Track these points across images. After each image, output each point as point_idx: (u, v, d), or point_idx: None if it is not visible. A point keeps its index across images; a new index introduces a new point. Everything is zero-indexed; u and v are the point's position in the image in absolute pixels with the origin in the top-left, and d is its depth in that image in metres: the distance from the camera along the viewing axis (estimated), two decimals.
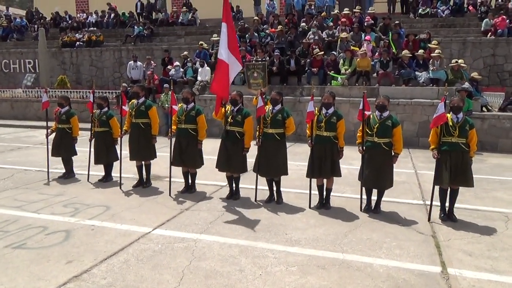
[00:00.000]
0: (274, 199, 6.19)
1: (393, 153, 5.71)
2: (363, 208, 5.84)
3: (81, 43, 19.11)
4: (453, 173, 5.29)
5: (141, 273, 3.90)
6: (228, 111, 6.04)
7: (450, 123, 5.35)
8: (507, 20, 14.03)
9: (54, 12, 23.01)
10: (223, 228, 5.08)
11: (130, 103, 6.77)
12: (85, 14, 22.56)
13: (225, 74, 5.71)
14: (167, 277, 3.83)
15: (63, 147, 7.38)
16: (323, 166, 5.67)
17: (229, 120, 5.97)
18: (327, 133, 5.70)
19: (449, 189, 5.44)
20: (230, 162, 6.05)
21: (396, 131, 5.61)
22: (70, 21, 21.65)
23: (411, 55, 12.00)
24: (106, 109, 7.24)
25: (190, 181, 6.65)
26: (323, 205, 5.92)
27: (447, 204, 5.53)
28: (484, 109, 11.20)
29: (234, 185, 6.37)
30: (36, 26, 21.51)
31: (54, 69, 18.76)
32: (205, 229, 5.05)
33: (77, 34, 19.73)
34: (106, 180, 7.25)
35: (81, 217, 5.41)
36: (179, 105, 6.46)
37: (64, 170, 7.55)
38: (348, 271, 3.99)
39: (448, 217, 5.47)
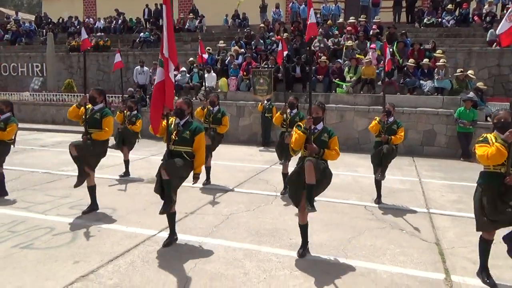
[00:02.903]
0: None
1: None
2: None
3: (88, 48, 19.32)
4: None
5: (147, 274, 3.95)
6: (172, 125, 4.61)
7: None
8: None
9: (62, 17, 23.31)
10: (227, 232, 5.12)
11: (86, 108, 5.61)
12: (91, 19, 22.83)
13: (165, 72, 4.20)
14: (173, 279, 3.87)
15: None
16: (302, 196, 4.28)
17: (173, 137, 4.55)
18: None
19: None
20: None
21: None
22: (78, 26, 21.92)
23: (416, 64, 12.07)
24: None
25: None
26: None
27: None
28: (488, 119, 11.20)
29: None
30: (44, 30, 21.81)
31: (61, 73, 18.99)
32: (210, 232, 5.10)
33: None
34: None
35: (87, 219, 5.47)
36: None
37: None
38: (351, 276, 4.02)
39: None
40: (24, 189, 6.93)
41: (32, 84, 18.95)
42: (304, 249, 4.46)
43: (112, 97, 16.31)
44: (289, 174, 4.81)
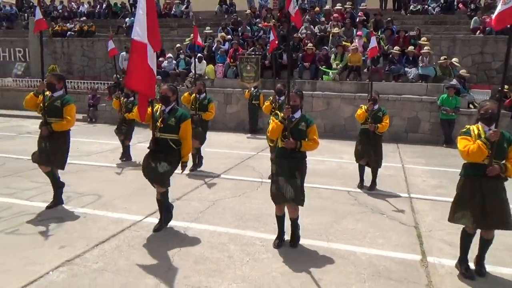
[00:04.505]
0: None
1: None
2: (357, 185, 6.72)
3: (72, 33, 18.97)
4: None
5: (132, 258, 4.02)
6: (158, 113, 4.56)
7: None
8: None
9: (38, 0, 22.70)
10: (213, 217, 5.22)
11: (45, 95, 5.18)
12: (74, 4, 22.32)
13: (145, 61, 4.07)
14: (158, 262, 3.96)
15: None
16: (286, 189, 4.12)
17: (158, 124, 4.49)
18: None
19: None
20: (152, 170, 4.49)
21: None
22: (61, 11, 21.44)
23: (401, 51, 12.19)
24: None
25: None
26: (289, 240, 4.47)
27: None
28: (471, 106, 11.45)
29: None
30: (26, 14, 21.27)
31: (45, 58, 18.59)
32: (196, 218, 5.18)
33: (68, 24, 19.57)
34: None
35: (73, 205, 5.51)
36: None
37: None
38: (332, 259, 4.16)
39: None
40: (9, 175, 6.90)
41: (15, 69, 18.58)
42: (280, 240, 4.44)
43: (98, 83, 16.16)
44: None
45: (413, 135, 11.39)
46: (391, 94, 11.47)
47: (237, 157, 8.79)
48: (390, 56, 12.28)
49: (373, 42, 7.25)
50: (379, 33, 13.05)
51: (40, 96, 5.11)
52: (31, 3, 23.45)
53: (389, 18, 13.88)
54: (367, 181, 6.73)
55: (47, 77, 5.24)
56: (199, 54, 13.13)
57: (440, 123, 10.99)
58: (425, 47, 11.82)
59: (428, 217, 5.47)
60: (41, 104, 5.12)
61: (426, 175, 7.73)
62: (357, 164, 6.75)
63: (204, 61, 13.59)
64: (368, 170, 6.73)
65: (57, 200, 5.45)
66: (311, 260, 4.12)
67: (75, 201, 5.64)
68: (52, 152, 5.14)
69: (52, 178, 5.39)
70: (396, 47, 12.26)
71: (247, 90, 12.22)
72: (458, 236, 3.98)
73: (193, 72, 10.24)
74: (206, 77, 13.29)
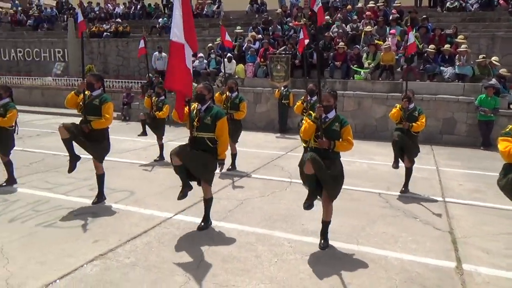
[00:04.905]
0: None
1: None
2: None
3: (108, 33, 19.59)
4: None
5: (162, 254, 4.10)
6: (194, 112, 4.60)
7: None
8: None
9: (79, 3, 23.52)
10: (241, 217, 5.23)
11: (85, 94, 5.38)
12: (110, 5, 23.04)
13: (182, 61, 4.15)
14: (187, 259, 4.01)
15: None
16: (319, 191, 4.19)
17: (195, 123, 4.51)
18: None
19: None
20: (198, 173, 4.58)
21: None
22: (97, 12, 22.17)
23: (436, 50, 11.79)
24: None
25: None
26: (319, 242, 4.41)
27: None
28: (511, 106, 10.92)
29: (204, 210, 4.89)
30: (65, 16, 22.14)
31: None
32: (224, 216, 5.22)
33: (104, 25, 20.22)
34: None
35: (107, 200, 5.67)
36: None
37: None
38: (362, 263, 4.07)
39: None
40: (47, 171, 7.20)
41: (55, 69, 19.39)
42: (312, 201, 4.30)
43: (131, 82, 16.61)
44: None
45: (449, 137, 10.98)
46: (426, 94, 11.11)
47: (266, 157, 8.79)
48: (425, 55, 11.89)
49: (411, 38, 7.02)
50: (413, 31, 12.66)
51: (80, 95, 5.31)
52: (70, 5, 24.41)
53: (424, 16, 13.43)
54: (400, 183, 6.54)
55: (86, 77, 5.44)
56: (228, 54, 13.23)
57: (478, 125, 10.54)
58: (463, 45, 11.37)
59: (464, 223, 5.26)
60: (81, 103, 5.33)
61: (462, 179, 7.44)
62: (393, 152, 6.43)
63: (233, 61, 13.67)
64: (401, 172, 6.53)
65: (101, 196, 5.63)
66: (341, 263, 4.05)
67: (108, 196, 5.80)
68: (93, 149, 5.37)
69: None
70: (432, 46, 11.86)
71: (277, 90, 12.19)
72: (497, 244, 3.81)
73: (223, 71, 10.37)
74: (236, 76, 13.36)
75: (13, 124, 6.14)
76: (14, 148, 6.39)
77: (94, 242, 4.32)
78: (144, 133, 8.84)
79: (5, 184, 6.23)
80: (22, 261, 3.86)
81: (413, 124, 6.19)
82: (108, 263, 3.88)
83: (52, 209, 5.29)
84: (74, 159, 5.49)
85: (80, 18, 5.94)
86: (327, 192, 4.24)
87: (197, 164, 4.48)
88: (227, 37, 10.46)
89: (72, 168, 5.48)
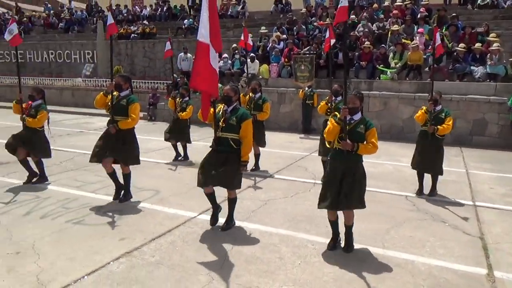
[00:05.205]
0: None
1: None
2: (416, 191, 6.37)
3: (135, 35, 20.00)
4: None
5: (186, 254, 4.14)
6: (220, 112, 4.67)
7: None
8: None
9: (108, 7, 24.14)
10: (265, 217, 5.23)
11: (113, 95, 5.51)
12: (137, 7, 23.50)
13: (208, 62, 4.18)
14: (210, 259, 4.04)
15: (33, 146, 6.34)
16: (341, 194, 4.10)
17: (220, 124, 4.58)
18: None
19: None
20: (220, 174, 4.53)
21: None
22: (125, 14, 22.67)
23: (467, 48, 11.41)
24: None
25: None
26: (343, 245, 4.40)
27: None
28: None
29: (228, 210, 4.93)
30: (95, 18, 22.76)
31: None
32: (247, 217, 5.22)
33: (132, 27, 20.66)
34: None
35: (133, 199, 5.78)
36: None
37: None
38: (388, 267, 3.99)
39: None
40: (77, 169, 7.42)
41: (84, 70, 19.96)
42: (335, 242, 4.39)
43: (157, 83, 16.90)
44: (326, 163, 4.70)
45: (479, 138, 10.61)
46: (455, 95, 10.77)
47: (289, 157, 8.75)
48: (455, 54, 11.54)
49: (438, 39, 6.84)
50: (443, 30, 12.32)
51: (108, 95, 5.46)
52: (100, 8, 25.07)
53: (454, 14, 13.05)
54: (427, 186, 6.37)
55: (115, 78, 5.58)
56: (251, 54, 13.24)
57: (510, 126, 10.13)
58: (495, 44, 10.96)
59: (495, 228, 5.07)
60: (109, 103, 5.47)
61: (494, 182, 7.17)
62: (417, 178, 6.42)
63: (256, 61, 13.68)
64: (427, 176, 6.37)
65: (127, 194, 5.77)
66: (366, 266, 3.98)
67: (134, 195, 5.91)
68: (122, 149, 5.49)
69: (113, 177, 5.71)
70: (462, 44, 11.50)
71: (301, 90, 12.12)
72: None
73: (246, 72, 10.40)
74: (260, 76, 13.37)
75: (43, 125, 6.38)
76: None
77: (120, 240, 4.42)
78: (178, 156, 8.48)
79: (35, 181, 6.46)
80: (53, 257, 3.99)
81: (439, 127, 6.01)
82: (134, 261, 3.96)
83: (80, 206, 5.45)
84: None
85: (111, 20, 6.06)
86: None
87: (225, 181, 4.59)
88: (249, 40, 10.49)
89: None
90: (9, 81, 20.16)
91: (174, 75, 12.12)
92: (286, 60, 13.32)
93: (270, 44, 14.17)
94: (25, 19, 25.18)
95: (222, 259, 4.05)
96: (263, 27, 16.09)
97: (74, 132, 11.73)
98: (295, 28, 15.08)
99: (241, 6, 20.47)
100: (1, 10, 31.24)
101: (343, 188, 4.08)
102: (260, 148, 7.66)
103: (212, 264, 3.95)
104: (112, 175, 5.66)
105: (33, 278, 3.60)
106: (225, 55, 14.75)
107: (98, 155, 5.51)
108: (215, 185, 4.64)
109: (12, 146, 6.31)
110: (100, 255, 4.06)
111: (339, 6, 4.34)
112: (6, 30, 6.67)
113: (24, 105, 6.33)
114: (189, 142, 8.48)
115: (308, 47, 13.45)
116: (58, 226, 4.76)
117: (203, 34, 4.15)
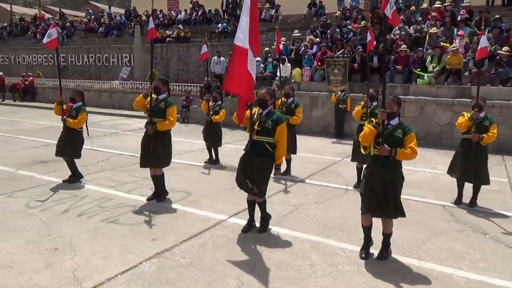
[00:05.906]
0: None
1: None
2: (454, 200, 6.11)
3: (170, 39, 20.46)
4: None
5: (216, 256, 4.15)
6: (255, 116, 4.68)
7: None
8: None
9: (145, 12, 24.79)
10: (295, 223, 5.16)
11: (152, 97, 5.63)
12: (173, 12, 24.03)
13: (244, 66, 4.20)
14: (240, 263, 4.02)
15: (69, 147, 6.61)
16: (381, 202, 4.05)
17: (255, 127, 4.59)
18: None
19: None
20: (255, 180, 4.58)
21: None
22: (161, 19, 23.25)
23: (511, 52, 10.85)
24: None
25: None
26: (377, 253, 4.29)
27: None
28: None
29: (260, 212, 4.91)
30: (133, 23, 23.49)
31: (147, 63, 20.28)
32: (278, 222, 5.17)
33: (167, 31, 21.16)
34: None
35: (165, 200, 5.87)
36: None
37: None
38: (424, 279, 3.82)
39: None
40: (113, 169, 7.64)
41: (121, 73, 20.63)
42: (367, 251, 4.29)
43: (191, 86, 17.20)
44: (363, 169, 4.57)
45: None
46: (497, 100, 10.27)
47: (321, 162, 8.63)
48: (497, 57, 11.00)
49: (484, 42, 6.52)
50: (486, 32, 11.78)
51: (147, 98, 5.63)
52: (137, 13, 25.86)
53: (497, 16, 12.44)
54: (467, 196, 6.08)
55: (154, 81, 5.70)
56: (283, 56, 13.20)
57: None
58: None
59: None
60: (148, 105, 5.62)
61: None
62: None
63: (288, 64, 13.61)
64: (467, 185, 6.08)
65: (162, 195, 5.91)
66: (400, 278, 3.83)
67: (167, 196, 6.00)
68: (159, 150, 5.62)
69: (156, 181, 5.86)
70: (505, 48, 10.94)
71: (333, 94, 11.94)
72: None
73: (278, 75, 10.36)
74: (292, 80, 13.31)
75: (82, 127, 6.67)
76: (84, 146, 6.88)
77: (152, 240, 4.49)
78: (211, 158, 8.52)
79: (68, 179, 6.70)
80: (88, 255, 4.10)
81: (484, 135, 5.71)
82: (165, 262, 4.01)
83: (115, 206, 5.59)
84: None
85: (152, 25, 6.22)
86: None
87: (257, 184, 4.61)
88: (280, 45, 10.54)
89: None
90: (52, 83, 21.17)
91: (208, 78, 12.29)
92: (319, 63, 13.18)
93: (303, 48, 14.07)
94: (68, 24, 26.40)
95: (252, 264, 4.02)
96: (296, 31, 16.02)
97: (110, 133, 12.11)
98: (329, 31, 14.91)
99: (274, 9, 20.49)
100: (46, 15, 32.90)
101: (380, 195, 3.99)
102: (291, 153, 7.58)
103: (242, 268, 3.93)
104: (155, 178, 5.82)
105: (69, 274, 3.71)
106: (258, 58, 14.76)
107: (142, 162, 5.76)
108: (248, 191, 4.69)
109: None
110: (133, 254, 4.14)
111: (391, 10, 4.23)
112: (46, 34, 6.98)
113: (65, 107, 6.63)
114: (220, 145, 8.52)
115: (342, 50, 13.25)
116: (94, 225, 4.90)
117: (241, 38, 4.18)
